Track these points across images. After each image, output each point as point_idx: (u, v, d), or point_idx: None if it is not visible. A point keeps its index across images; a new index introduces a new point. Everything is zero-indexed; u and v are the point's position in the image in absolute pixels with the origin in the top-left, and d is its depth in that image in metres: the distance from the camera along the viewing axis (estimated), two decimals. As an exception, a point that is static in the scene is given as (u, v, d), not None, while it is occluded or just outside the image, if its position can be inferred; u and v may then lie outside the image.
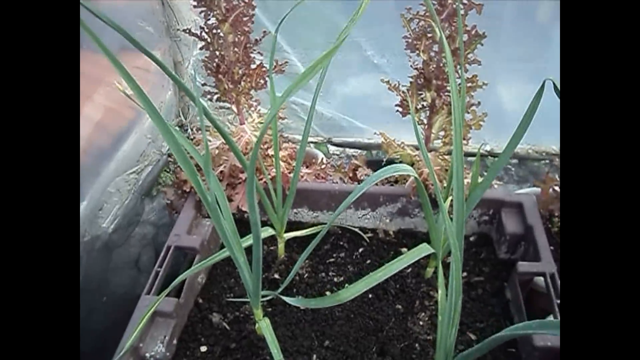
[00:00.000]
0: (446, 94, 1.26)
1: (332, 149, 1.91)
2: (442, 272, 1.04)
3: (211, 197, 0.86)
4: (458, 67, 1.23)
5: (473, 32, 1.16)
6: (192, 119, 1.80)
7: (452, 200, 0.94)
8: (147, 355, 1.09)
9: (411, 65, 1.26)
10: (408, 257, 1.12)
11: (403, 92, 1.32)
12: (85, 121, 1.34)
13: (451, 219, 0.90)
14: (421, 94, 1.30)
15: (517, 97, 1.77)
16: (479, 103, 1.29)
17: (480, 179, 1.12)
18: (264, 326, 1.05)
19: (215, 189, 1.04)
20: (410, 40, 1.24)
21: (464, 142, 1.34)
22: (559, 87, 0.72)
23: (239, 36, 1.33)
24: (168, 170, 1.70)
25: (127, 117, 1.67)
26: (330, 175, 1.54)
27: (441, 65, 1.23)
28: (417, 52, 1.24)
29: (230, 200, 1.37)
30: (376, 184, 1.47)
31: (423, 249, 1.14)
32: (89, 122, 1.35)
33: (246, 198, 0.84)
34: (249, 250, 1.34)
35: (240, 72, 1.35)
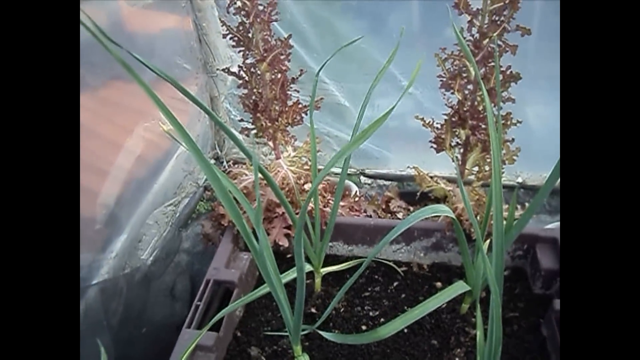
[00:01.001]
0: (480, 131, 1.28)
1: (363, 179, 1.93)
2: (480, 311, 1.04)
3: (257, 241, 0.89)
4: (493, 106, 1.25)
5: (508, 72, 1.18)
6: (227, 151, 1.84)
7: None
8: (190, 390, 1.12)
9: (446, 104, 1.28)
10: (444, 295, 1.13)
11: (437, 128, 1.35)
12: (127, 154, 1.38)
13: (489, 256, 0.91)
14: (455, 131, 1.32)
15: (544, 119, 1.76)
16: (513, 140, 1.30)
17: (516, 214, 1.14)
18: (303, 363, 1.07)
19: (254, 223, 1.07)
20: (445, 80, 1.26)
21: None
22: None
23: (276, 74, 1.37)
24: (203, 199, 1.74)
25: (163, 147, 1.71)
26: (364, 208, 1.56)
27: (475, 104, 1.25)
28: (452, 91, 1.26)
29: (267, 234, 1.40)
30: (402, 209, 1.50)
31: (459, 287, 1.15)
32: (131, 155, 1.40)
33: (294, 247, 0.86)
34: (286, 284, 1.37)
35: (277, 109, 1.39)
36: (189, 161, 1.64)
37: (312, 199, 1.27)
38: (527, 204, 1.53)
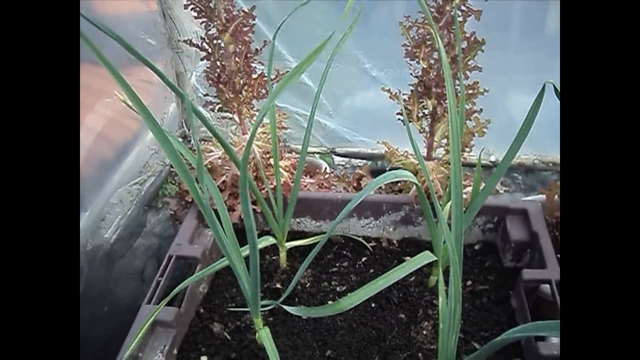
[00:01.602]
0: (447, 101, 1.25)
1: (337, 160, 1.90)
2: (443, 280, 1.02)
3: (206, 202, 0.86)
4: (458, 74, 1.23)
5: (472, 38, 1.15)
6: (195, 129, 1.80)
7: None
8: (147, 365, 1.08)
9: (411, 74, 1.26)
10: (410, 265, 1.10)
11: (404, 100, 1.32)
12: (87, 132, 1.35)
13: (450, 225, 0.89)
14: (422, 102, 1.30)
15: (525, 108, 1.75)
16: (481, 110, 1.28)
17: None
18: (264, 335, 1.04)
19: (214, 196, 1.04)
20: (409, 48, 1.23)
21: (467, 150, 1.33)
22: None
23: (239, 46, 1.33)
24: (173, 182, 1.71)
25: (131, 128, 1.68)
26: (334, 185, 1.53)
27: (441, 72, 1.22)
28: (417, 59, 1.23)
29: (232, 210, 1.37)
30: (379, 192, 1.47)
31: (425, 257, 1.12)
32: (91, 133, 1.36)
33: (241, 203, 0.83)
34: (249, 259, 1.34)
35: (241, 82, 1.36)
36: (156, 140, 1.60)
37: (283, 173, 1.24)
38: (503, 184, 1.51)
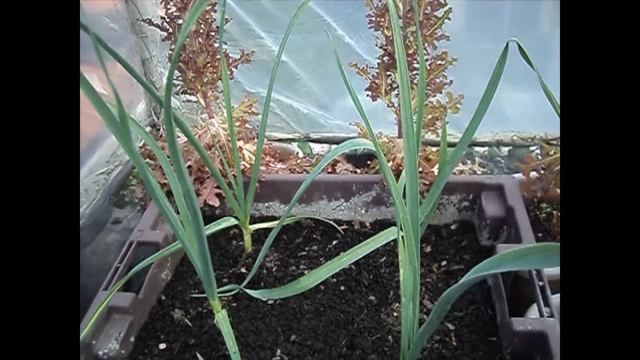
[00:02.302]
0: (415, 72, 1.20)
1: (317, 149, 1.85)
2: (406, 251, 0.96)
3: (154, 180, 0.81)
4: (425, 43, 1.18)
5: (435, 1, 1.10)
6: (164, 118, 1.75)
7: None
8: (100, 352, 1.02)
9: (376, 44, 1.21)
10: (375, 241, 1.05)
11: (373, 75, 1.27)
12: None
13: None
14: (390, 75, 1.25)
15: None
16: (452, 82, 1.22)
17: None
18: (221, 318, 0.98)
19: (169, 178, 0.99)
20: (374, 18, 1.18)
21: (438, 124, 1.28)
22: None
23: (201, 25, 1.29)
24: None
25: (102, 121, 1.63)
26: (307, 171, 1.48)
27: (407, 41, 1.17)
28: (381, 29, 1.18)
29: (198, 194, 1.32)
30: (350, 173, 1.41)
31: (390, 233, 1.07)
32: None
33: (168, 145, 0.77)
34: (212, 241, 1.28)
35: (204, 62, 1.31)
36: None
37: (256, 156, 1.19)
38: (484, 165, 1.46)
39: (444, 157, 1.07)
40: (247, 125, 1.39)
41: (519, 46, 0.74)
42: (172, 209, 0.91)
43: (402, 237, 1.07)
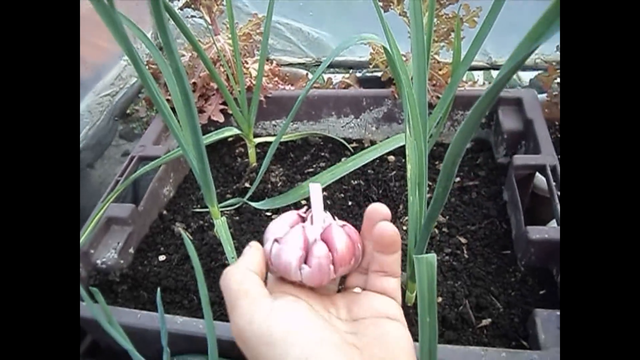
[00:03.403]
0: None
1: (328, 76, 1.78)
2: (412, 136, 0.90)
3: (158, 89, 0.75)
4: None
5: None
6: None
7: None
8: (98, 262, 1.00)
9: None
10: (382, 148, 1.00)
11: (385, -17, 1.19)
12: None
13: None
14: (403, -21, 1.17)
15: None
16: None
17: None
18: (219, 224, 0.94)
19: (172, 92, 0.94)
20: None
21: (452, 37, 1.20)
22: None
23: None
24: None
25: (111, 52, 1.60)
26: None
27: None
28: None
29: (202, 111, 1.27)
30: (360, 88, 1.35)
31: (398, 139, 1.01)
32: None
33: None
34: (216, 159, 1.24)
35: (207, -30, 1.24)
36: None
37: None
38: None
39: (458, 59, 1.00)
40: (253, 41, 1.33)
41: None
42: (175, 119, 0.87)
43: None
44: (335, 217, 0.51)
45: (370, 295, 0.50)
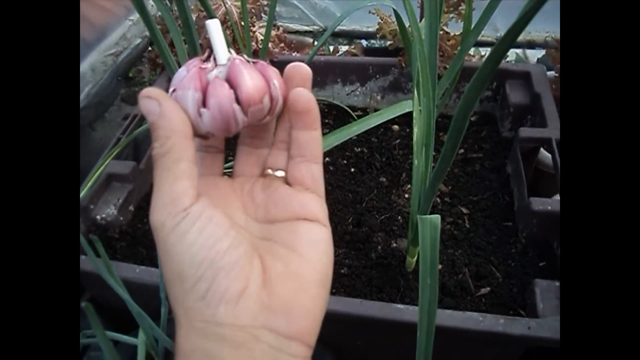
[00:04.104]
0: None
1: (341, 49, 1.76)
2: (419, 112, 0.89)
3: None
4: None
5: None
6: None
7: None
8: (98, 217, 0.99)
9: None
10: (387, 113, 0.98)
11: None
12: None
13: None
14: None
15: None
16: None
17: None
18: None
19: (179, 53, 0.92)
20: None
21: (462, 8, 1.18)
22: None
23: None
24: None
25: (116, 14, 1.58)
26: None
27: None
28: None
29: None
30: (366, 55, 1.34)
31: (405, 105, 0.99)
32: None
33: None
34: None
35: None
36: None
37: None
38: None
39: (468, 27, 0.99)
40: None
41: None
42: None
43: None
44: (244, 55, 0.42)
45: (289, 192, 0.43)
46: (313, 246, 0.41)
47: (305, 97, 0.41)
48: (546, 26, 1.53)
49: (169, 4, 1.46)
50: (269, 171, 0.45)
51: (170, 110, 0.37)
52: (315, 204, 0.43)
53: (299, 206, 0.42)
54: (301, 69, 0.41)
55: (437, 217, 0.64)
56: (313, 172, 0.44)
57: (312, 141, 0.43)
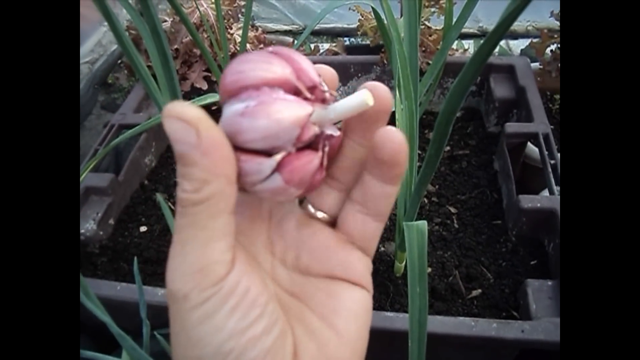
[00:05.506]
0: None
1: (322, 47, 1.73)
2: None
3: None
4: None
5: None
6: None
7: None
8: (76, 233, 0.96)
9: None
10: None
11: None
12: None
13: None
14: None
15: None
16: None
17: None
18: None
19: (152, 59, 0.89)
20: None
21: (443, 2, 1.16)
22: None
23: None
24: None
25: (90, 18, 1.55)
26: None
27: None
28: None
29: (185, 78, 1.23)
30: (347, 54, 1.31)
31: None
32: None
33: None
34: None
35: None
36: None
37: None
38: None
39: (449, 22, 0.96)
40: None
41: None
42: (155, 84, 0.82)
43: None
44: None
45: (331, 243, 0.33)
46: (354, 320, 0.33)
47: (396, 144, 0.29)
48: (527, 15, 1.51)
49: (140, 10, 1.43)
50: (310, 207, 0.34)
51: (215, 144, 0.26)
52: (363, 266, 0.34)
53: (341, 265, 0.33)
54: (327, 72, 0.32)
55: (423, 224, 0.61)
56: (370, 230, 0.34)
57: (385, 197, 0.32)
